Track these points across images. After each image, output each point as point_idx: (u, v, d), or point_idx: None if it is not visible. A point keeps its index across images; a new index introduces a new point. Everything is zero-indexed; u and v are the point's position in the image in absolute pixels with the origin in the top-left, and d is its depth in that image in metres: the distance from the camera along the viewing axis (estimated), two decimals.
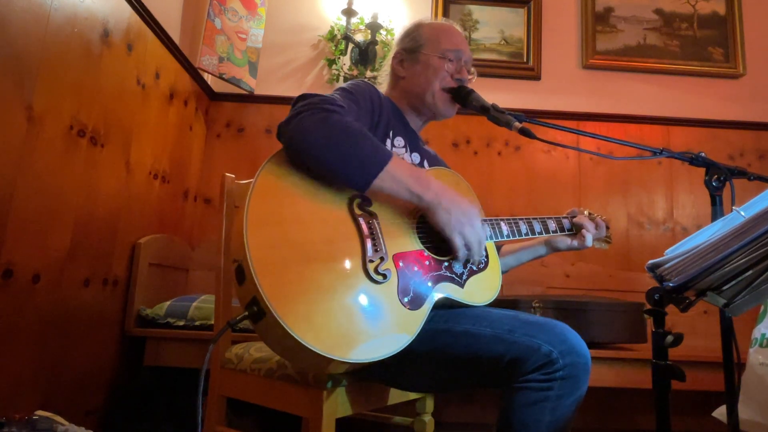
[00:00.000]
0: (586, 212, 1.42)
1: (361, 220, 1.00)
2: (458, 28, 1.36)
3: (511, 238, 1.24)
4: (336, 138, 0.96)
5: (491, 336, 0.98)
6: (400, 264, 1.01)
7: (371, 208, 1.03)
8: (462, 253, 1.05)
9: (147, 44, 1.91)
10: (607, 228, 1.47)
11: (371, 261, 0.97)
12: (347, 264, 0.95)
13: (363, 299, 0.94)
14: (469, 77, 1.32)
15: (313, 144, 0.95)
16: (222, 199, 1.30)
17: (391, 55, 1.38)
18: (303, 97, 1.04)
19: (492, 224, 1.20)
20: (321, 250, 0.94)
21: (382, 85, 1.42)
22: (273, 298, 0.85)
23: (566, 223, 1.36)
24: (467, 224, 1.04)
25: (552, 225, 1.33)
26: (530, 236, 1.29)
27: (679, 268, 0.75)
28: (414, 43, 1.32)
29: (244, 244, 0.87)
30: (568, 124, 1.52)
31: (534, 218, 1.30)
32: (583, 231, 1.34)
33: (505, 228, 1.22)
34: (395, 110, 1.29)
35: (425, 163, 1.30)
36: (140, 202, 1.93)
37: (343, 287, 0.93)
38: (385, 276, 0.97)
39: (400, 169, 1.00)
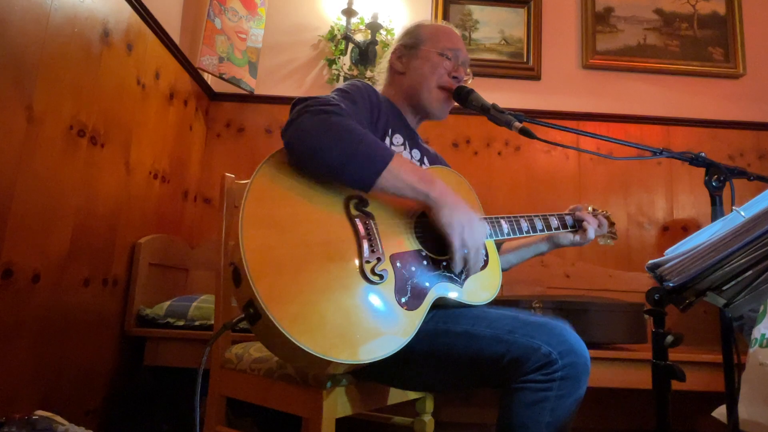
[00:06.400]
0: (590, 208, 1.42)
1: (358, 221, 1.00)
2: (457, 32, 1.37)
3: (512, 237, 1.24)
4: (336, 139, 0.95)
5: (491, 336, 0.98)
6: (397, 264, 1.01)
7: (368, 209, 1.03)
8: (459, 255, 1.03)
9: (147, 44, 1.91)
10: (612, 224, 1.46)
11: (368, 262, 0.97)
12: (344, 265, 0.95)
13: (360, 300, 0.93)
14: (465, 78, 1.33)
15: (313, 146, 0.95)
16: (222, 199, 1.30)
17: (389, 52, 1.37)
18: (300, 100, 1.04)
19: (492, 222, 1.20)
20: (317, 252, 0.93)
21: (378, 83, 1.42)
22: (268, 300, 0.85)
23: (569, 219, 1.36)
24: (467, 227, 1.02)
25: (554, 222, 1.33)
26: (531, 234, 1.28)
27: (679, 268, 0.75)
28: (414, 39, 1.33)
29: (239, 246, 0.87)
30: (568, 124, 1.52)
31: (535, 215, 1.30)
32: (584, 224, 1.34)
33: (505, 226, 1.22)
34: (393, 108, 1.29)
35: (425, 160, 1.30)
36: (140, 202, 1.93)
37: (339, 288, 0.92)
38: (381, 276, 0.97)
39: (403, 167, 0.99)
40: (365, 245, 0.98)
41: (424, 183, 1.01)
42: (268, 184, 0.96)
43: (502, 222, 1.22)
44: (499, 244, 1.41)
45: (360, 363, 0.90)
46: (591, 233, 1.34)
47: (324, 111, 0.98)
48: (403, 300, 0.98)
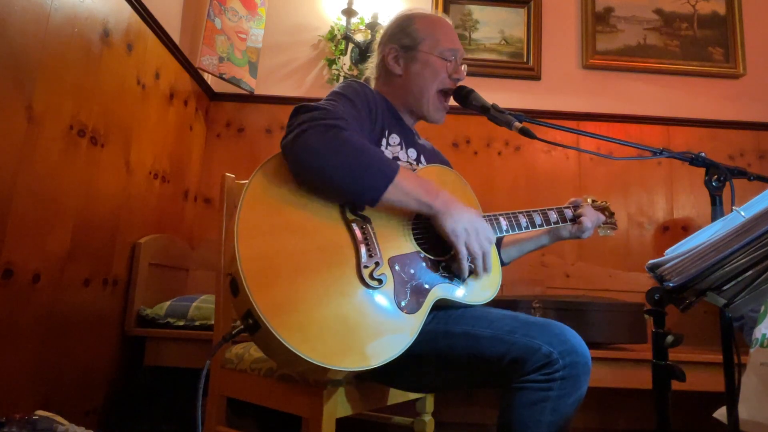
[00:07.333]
0: (589, 199, 1.41)
1: (354, 226, 0.99)
2: (449, 21, 1.33)
3: (511, 233, 1.23)
4: (344, 156, 0.95)
5: (491, 337, 0.98)
6: (396, 267, 1.01)
7: (364, 213, 1.02)
8: (464, 263, 1.04)
9: (147, 44, 1.91)
10: (612, 214, 1.46)
11: (366, 266, 0.96)
12: (341, 271, 0.94)
13: (359, 306, 0.93)
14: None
15: (321, 163, 0.94)
16: (222, 199, 1.30)
17: (380, 49, 1.33)
18: (302, 109, 1.02)
19: (490, 220, 1.19)
20: (314, 259, 0.93)
21: (370, 77, 1.38)
22: (266, 310, 0.84)
23: (567, 212, 1.35)
24: (472, 234, 1.04)
25: (553, 216, 1.32)
26: (530, 229, 1.27)
27: (679, 268, 0.75)
28: (411, 40, 1.28)
29: (235, 256, 0.86)
30: (568, 124, 1.52)
31: (534, 210, 1.29)
32: (582, 219, 1.33)
33: (504, 223, 1.21)
34: (389, 107, 1.27)
35: (422, 158, 1.29)
36: (140, 202, 1.93)
37: (338, 295, 0.92)
38: (380, 281, 0.96)
39: (408, 181, 1.00)
40: (363, 250, 0.97)
41: (428, 194, 1.01)
42: (263, 192, 0.95)
43: (501, 219, 1.21)
44: (499, 240, 1.41)
45: (360, 370, 0.90)
46: (588, 225, 1.34)
47: (331, 126, 0.97)
48: (402, 303, 0.98)
